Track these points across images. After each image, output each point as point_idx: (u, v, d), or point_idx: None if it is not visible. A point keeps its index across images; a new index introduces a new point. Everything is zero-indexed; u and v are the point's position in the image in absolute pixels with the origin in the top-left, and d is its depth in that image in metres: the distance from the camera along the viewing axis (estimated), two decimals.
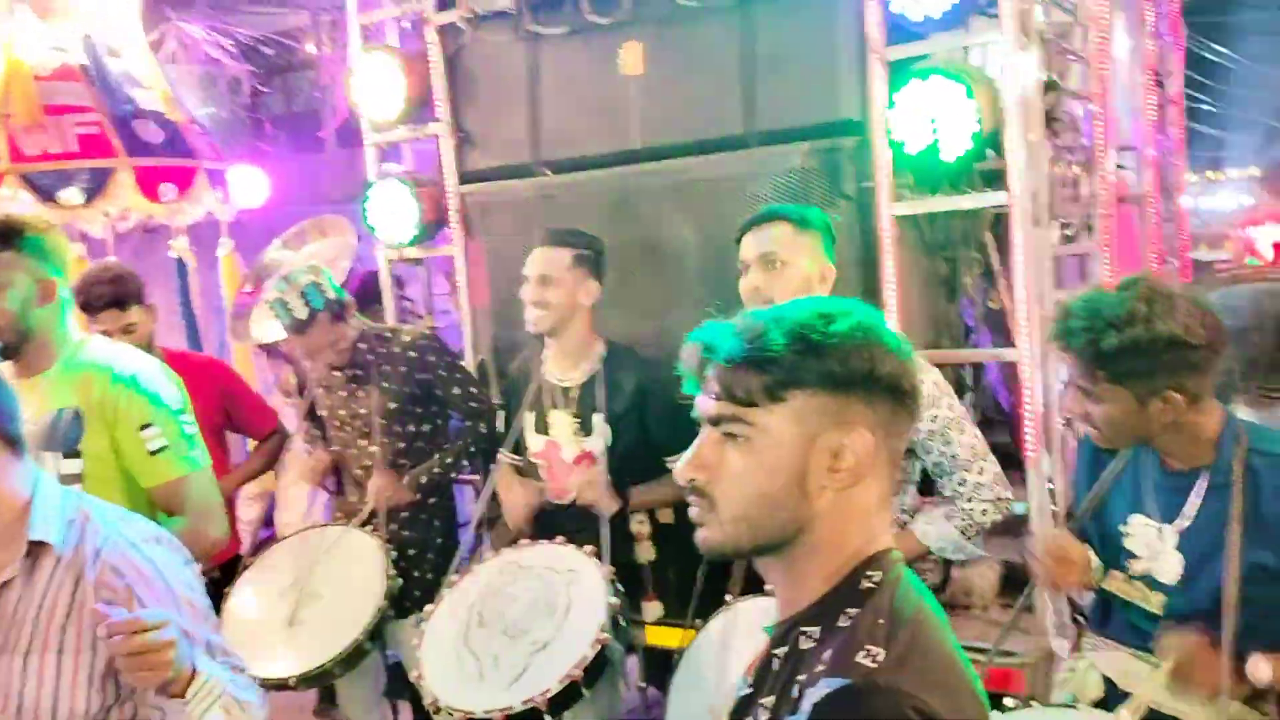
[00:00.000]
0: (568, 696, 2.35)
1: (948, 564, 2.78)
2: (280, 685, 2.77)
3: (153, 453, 2.25)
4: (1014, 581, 3.18)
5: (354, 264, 4.25)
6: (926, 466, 2.42)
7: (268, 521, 4.37)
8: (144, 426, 2.24)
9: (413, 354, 3.15)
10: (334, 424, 3.26)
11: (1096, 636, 2.07)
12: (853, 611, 1.10)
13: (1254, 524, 1.80)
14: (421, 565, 3.17)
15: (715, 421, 1.15)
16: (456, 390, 3.19)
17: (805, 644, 1.12)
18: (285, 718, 3.96)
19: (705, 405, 1.16)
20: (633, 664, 3.25)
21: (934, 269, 3.03)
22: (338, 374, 3.19)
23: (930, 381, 2.36)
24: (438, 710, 2.43)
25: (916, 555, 2.42)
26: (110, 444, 2.22)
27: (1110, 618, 2.05)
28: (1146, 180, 4.06)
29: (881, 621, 1.07)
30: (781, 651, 1.16)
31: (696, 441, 1.17)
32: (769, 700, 1.13)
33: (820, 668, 1.06)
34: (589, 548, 2.62)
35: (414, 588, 3.10)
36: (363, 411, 3.17)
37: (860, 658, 1.03)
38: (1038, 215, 2.70)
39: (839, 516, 1.14)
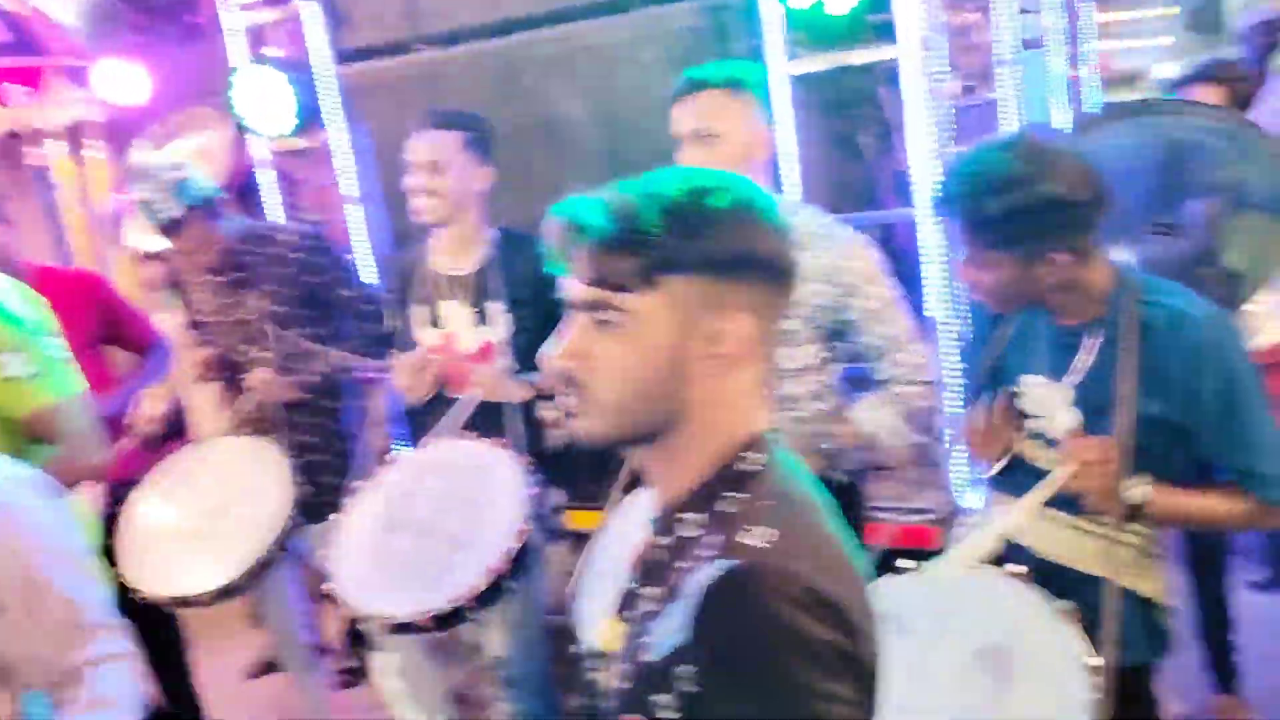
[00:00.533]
0: (493, 592, 2.30)
1: None
2: (188, 602, 2.72)
3: (14, 379, 2.11)
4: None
5: (237, 159, 4.03)
6: (859, 348, 2.37)
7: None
8: (3, 352, 2.09)
9: (295, 253, 3.01)
10: (216, 329, 3.13)
11: (994, 492, 2.08)
12: (736, 495, 1.07)
13: (1146, 375, 1.79)
14: (326, 469, 3.09)
15: (586, 307, 1.08)
16: (346, 291, 3.07)
17: (688, 531, 1.09)
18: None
19: (575, 290, 1.09)
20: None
21: (832, 129, 2.94)
22: (216, 276, 3.05)
23: (872, 260, 2.29)
24: (355, 621, 2.38)
25: (858, 442, 2.39)
26: None
27: (1007, 475, 2.05)
28: (1051, 23, 3.96)
29: (766, 503, 1.05)
30: (664, 541, 1.12)
31: (567, 328, 1.11)
32: (653, 590, 1.10)
33: (706, 553, 1.03)
34: (500, 439, 2.55)
35: (321, 492, 3.03)
36: (247, 316, 3.04)
37: (748, 540, 1.01)
38: (930, 67, 2.61)
39: (717, 402, 1.09)
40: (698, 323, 1.06)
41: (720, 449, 1.10)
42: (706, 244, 1.05)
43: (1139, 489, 1.79)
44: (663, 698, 1.01)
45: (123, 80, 4.45)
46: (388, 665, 3.02)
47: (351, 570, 2.44)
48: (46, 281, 3.02)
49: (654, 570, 1.12)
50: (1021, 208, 1.71)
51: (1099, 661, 1.71)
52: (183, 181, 2.85)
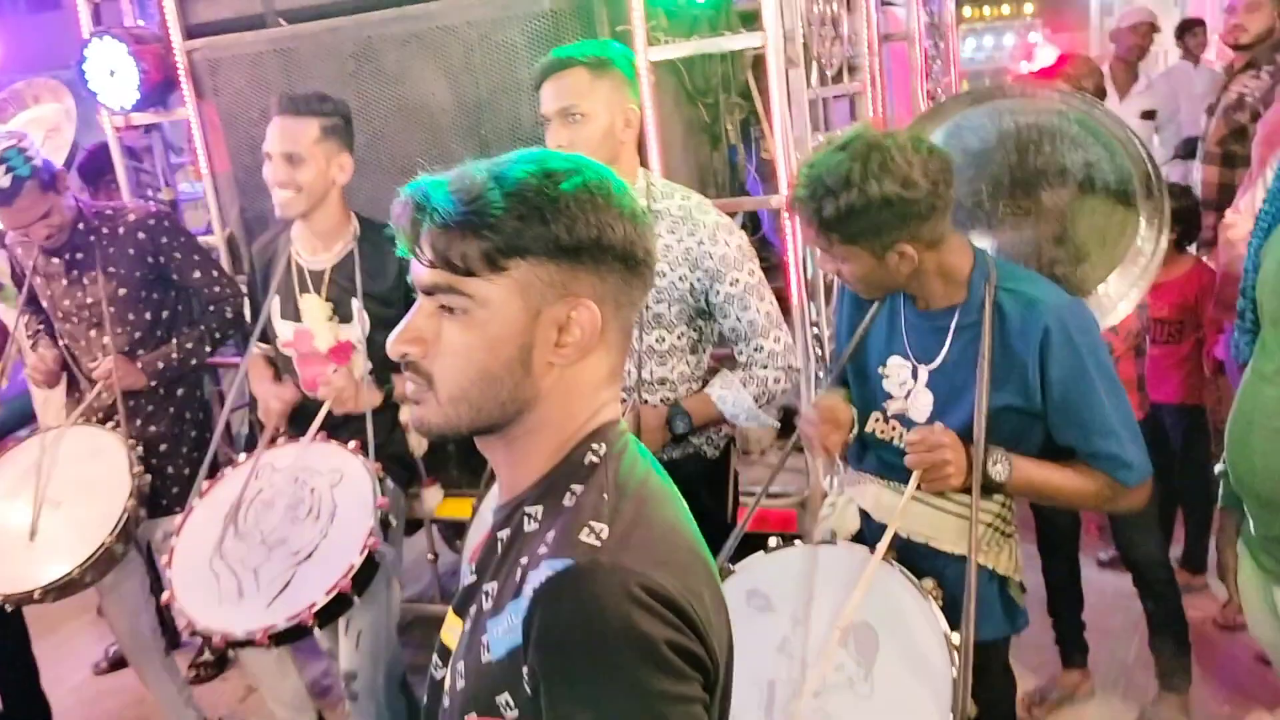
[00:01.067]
0: (336, 607, 2.23)
1: None
2: (25, 600, 2.58)
3: None
4: (791, 427, 3.26)
5: (79, 135, 3.80)
6: (723, 330, 2.38)
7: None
8: None
9: (141, 234, 2.85)
10: (58, 316, 2.94)
11: (855, 472, 2.11)
12: (576, 488, 1.03)
13: (1001, 363, 1.84)
14: (175, 461, 2.95)
15: (430, 291, 1.03)
16: (196, 273, 2.91)
17: (529, 525, 1.05)
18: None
19: (419, 273, 1.03)
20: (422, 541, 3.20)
21: (696, 116, 2.94)
22: (56, 260, 2.86)
23: (734, 245, 2.29)
24: (194, 634, 2.27)
25: (711, 419, 2.40)
26: None
27: (867, 455, 2.08)
28: (914, 18, 4.06)
29: (606, 496, 1.01)
30: (504, 534, 1.08)
31: (411, 312, 1.05)
32: (492, 586, 1.05)
33: (543, 549, 0.99)
34: (354, 443, 2.45)
35: (169, 485, 2.90)
36: (90, 301, 2.87)
37: (584, 536, 0.97)
38: (794, 56, 2.63)
39: (564, 393, 1.06)
40: (545, 310, 1.02)
41: (565, 441, 1.07)
42: (555, 229, 1.00)
43: (999, 467, 1.83)
44: (501, 697, 0.98)
45: None
46: (251, 661, 2.92)
47: (191, 579, 2.32)
48: None
49: (493, 565, 1.08)
50: (859, 208, 1.74)
51: (958, 637, 1.74)
52: (14, 150, 2.66)
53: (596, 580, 0.93)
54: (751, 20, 2.64)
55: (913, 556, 1.91)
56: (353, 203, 2.62)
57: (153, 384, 2.89)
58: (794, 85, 2.67)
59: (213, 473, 2.58)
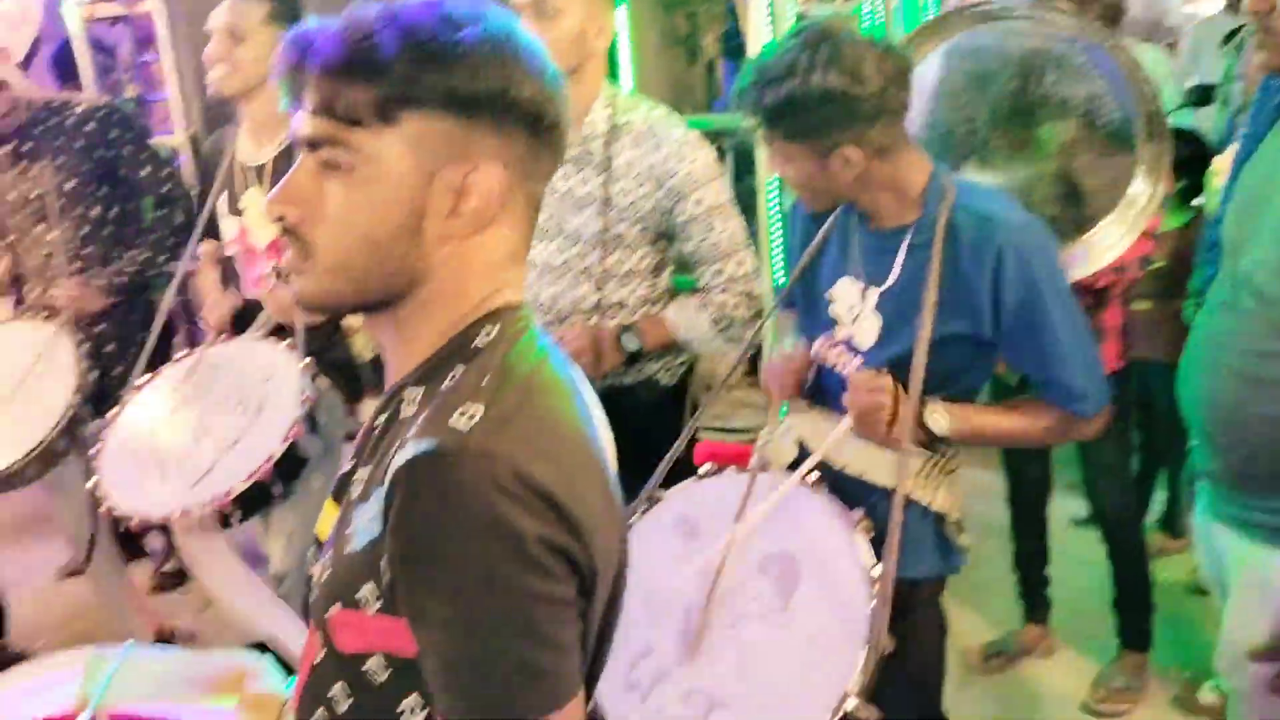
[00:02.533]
0: (256, 496, 2.19)
1: None
2: None
3: None
4: (757, 362, 3.16)
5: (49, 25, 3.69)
6: (684, 252, 2.27)
7: None
8: None
9: (90, 126, 2.78)
10: (4, 209, 2.87)
11: (799, 401, 2.01)
12: (459, 370, 0.94)
13: (952, 286, 1.72)
14: (123, 361, 2.89)
15: (313, 144, 0.92)
16: (146, 170, 2.85)
17: (406, 409, 0.96)
18: None
19: (299, 123, 0.93)
20: None
21: (673, 28, 2.81)
22: (3, 149, 2.79)
23: (701, 161, 2.18)
24: (115, 518, 2.26)
25: (667, 343, 2.31)
26: None
27: (813, 383, 1.98)
28: None
29: (488, 380, 0.91)
30: (382, 419, 1.00)
31: (291, 170, 0.95)
32: (364, 472, 0.98)
33: (412, 432, 0.90)
34: (289, 341, 2.40)
35: (116, 385, 2.83)
36: (37, 193, 2.81)
37: (454, 419, 0.87)
38: None
39: (459, 269, 0.96)
40: (440, 171, 0.92)
41: (456, 322, 0.97)
42: (453, 78, 0.90)
43: (939, 419, 1.74)
44: (365, 588, 0.90)
45: None
46: (203, 569, 2.89)
47: (118, 466, 2.31)
48: None
49: (367, 450, 1.00)
50: (799, 99, 1.62)
51: (879, 570, 1.66)
52: None
53: (460, 465, 0.84)
54: None
55: (845, 489, 1.82)
56: None
57: (114, 300, 2.84)
58: None
59: (152, 368, 2.53)
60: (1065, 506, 3.61)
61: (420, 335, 0.98)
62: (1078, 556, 3.27)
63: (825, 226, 1.93)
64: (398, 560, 0.86)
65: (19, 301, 2.96)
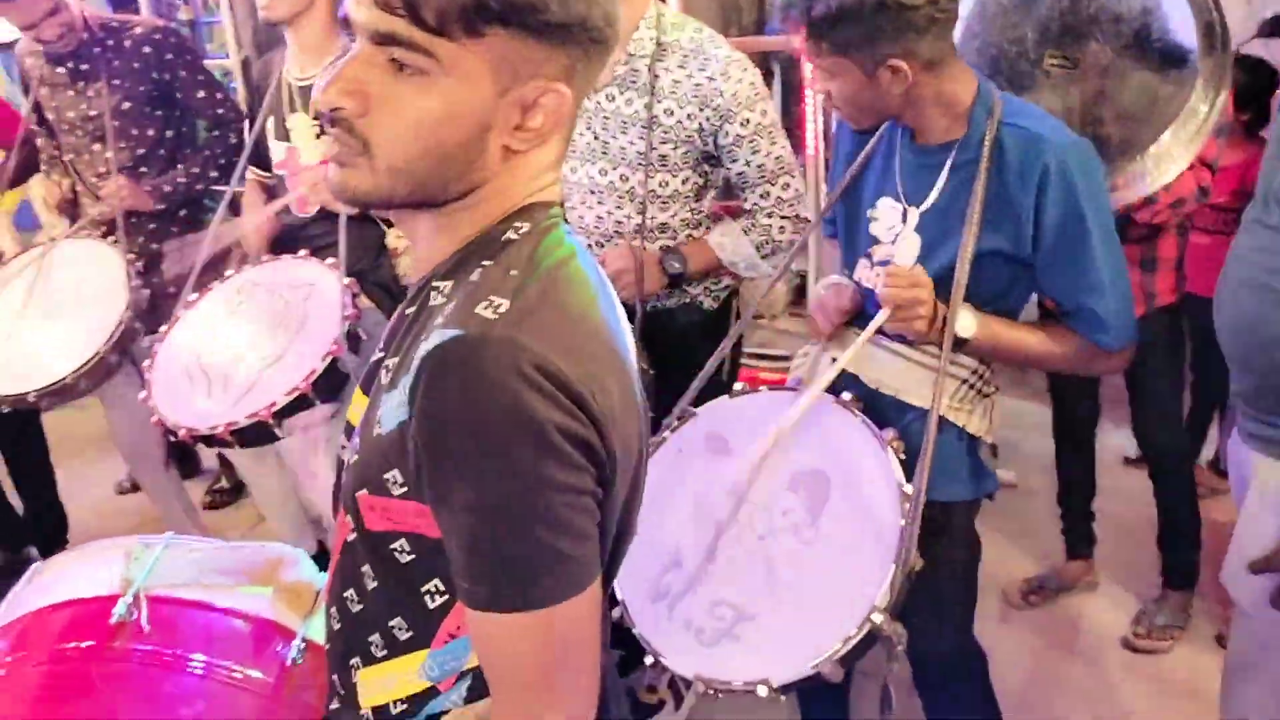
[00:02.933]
0: (298, 411, 2.24)
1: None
2: (20, 402, 2.62)
3: None
4: (804, 291, 3.14)
5: None
6: (730, 175, 2.25)
7: None
8: None
9: (147, 48, 2.81)
10: (63, 128, 2.93)
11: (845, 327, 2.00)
12: (487, 263, 0.94)
13: (995, 204, 1.69)
14: (177, 281, 2.92)
15: (383, 40, 0.88)
16: (201, 93, 2.88)
17: (435, 300, 0.96)
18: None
19: (370, 15, 0.87)
20: None
21: None
22: (61, 70, 2.84)
23: (747, 82, 2.15)
24: (166, 431, 2.32)
25: (710, 267, 2.30)
26: None
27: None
28: None
29: (514, 273, 0.92)
30: (411, 310, 1.00)
31: (349, 57, 0.90)
32: (393, 361, 0.98)
33: (439, 320, 0.91)
34: (332, 260, 2.43)
35: (169, 305, 2.89)
36: (94, 113, 2.85)
37: (480, 309, 0.88)
38: None
39: (509, 176, 0.96)
40: (512, 88, 0.91)
41: (491, 217, 0.97)
42: (544, 4, 0.87)
43: (964, 320, 1.71)
44: (390, 474, 0.92)
45: None
46: (257, 485, 2.98)
47: (168, 381, 2.38)
48: None
49: (396, 340, 1.01)
50: (848, 9, 1.58)
51: (910, 489, 1.65)
52: None
53: (484, 353, 0.85)
54: None
55: (879, 408, 1.81)
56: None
57: (158, 206, 2.88)
58: None
59: (202, 286, 2.58)
60: (1117, 443, 3.57)
61: (458, 231, 0.98)
62: (1125, 492, 3.23)
63: (869, 145, 1.90)
64: (421, 444, 0.87)
65: (76, 219, 3.03)
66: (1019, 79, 2.18)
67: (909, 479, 1.67)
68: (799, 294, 3.03)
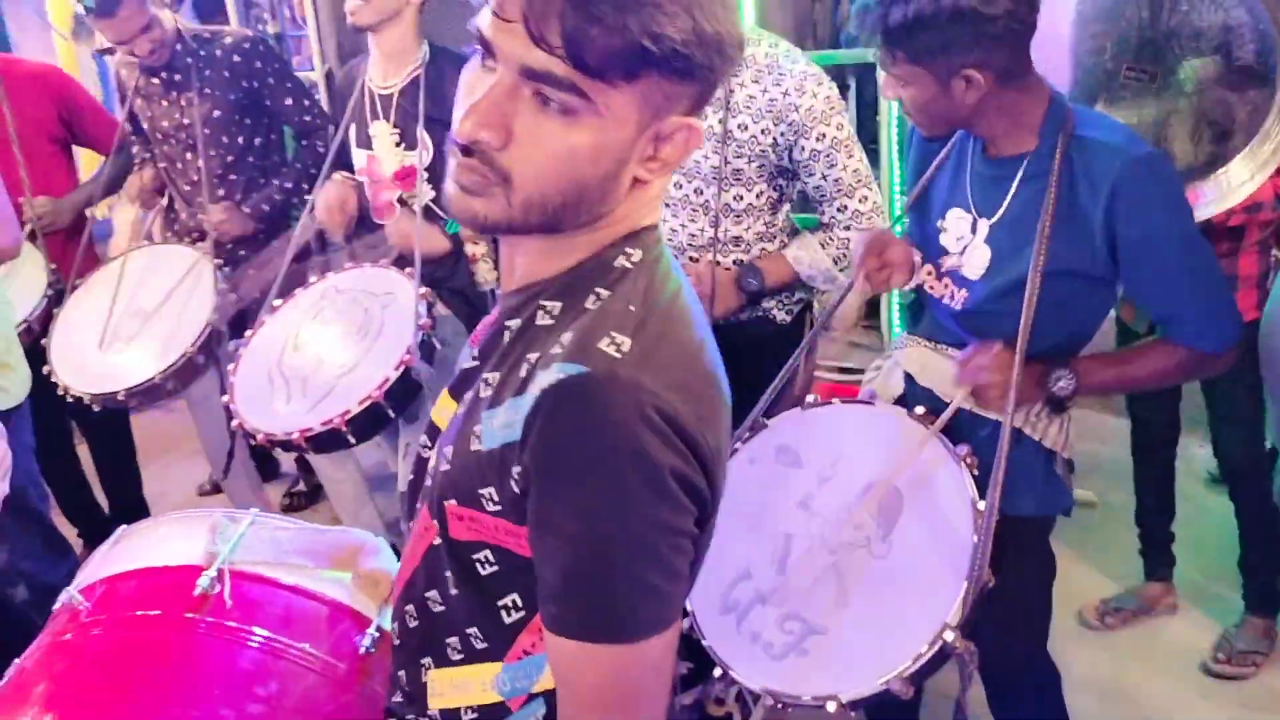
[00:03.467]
0: (371, 419, 2.29)
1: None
2: (111, 400, 2.73)
3: None
4: (876, 305, 3.12)
5: None
6: (806, 189, 2.26)
7: None
8: None
9: (237, 58, 2.90)
10: (157, 136, 3.03)
11: (906, 335, 1.99)
12: (603, 293, 0.94)
13: (1066, 218, 1.67)
14: (254, 284, 3.01)
15: (536, 77, 0.85)
16: (289, 101, 2.96)
17: (543, 319, 0.96)
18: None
19: (523, 50, 0.84)
20: None
21: None
22: (155, 80, 2.95)
23: (823, 96, 2.16)
24: (247, 433, 2.39)
25: (787, 281, 2.30)
26: None
27: (921, 316, 1.96)
28: None
29: (633, 309, 0.92)
30: (514, 324, 1.00)
31: (491, 89, 0.88)
32: (493, 375, 0.98)
33: (556, 350, 0.91)
34: (410, 269, 2.47)
35: (254, 308, 2.97)
36: (186, 122, 2.95)
37: (604, 345, 0.88)
38: None
39: (632, 204, 0.96)
40: (653, 124, 0.90)
41: (604, 241, 0.97)
42: (696, 26, 0.84)
43: (1063, 382, 1.71)
44: (486, 490, 0.93)
45: None
46: (334, 489, 3.05)
47: (250, 385, 2.44)
48: (6, 74, 2.97)
49: (497, 353, 1.01)
50: (929, 17, 1.57)
51: (983, 504, 1.64)
52: None
53: (611, 393, 0.86)
54: None
55: (954, 422, 1.79)
56: (430, 37, 2.60)
57: (259, 227, 2.97)
58: None
59: (286, 292, 2.65)
60: (1199, 461, 3.48)
61: (569, 254, 0.97)
62: (1206, 512, 3.15)
63: (940, 154, 1.89)
64: (535, 473, 0.88)
65: (170, 225, 3.12)
66: (1096, 89, 2.15)
67: (983, 495, 1.66)
68: (872, 307, 3.01)
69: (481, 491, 0.94)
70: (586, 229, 0.95)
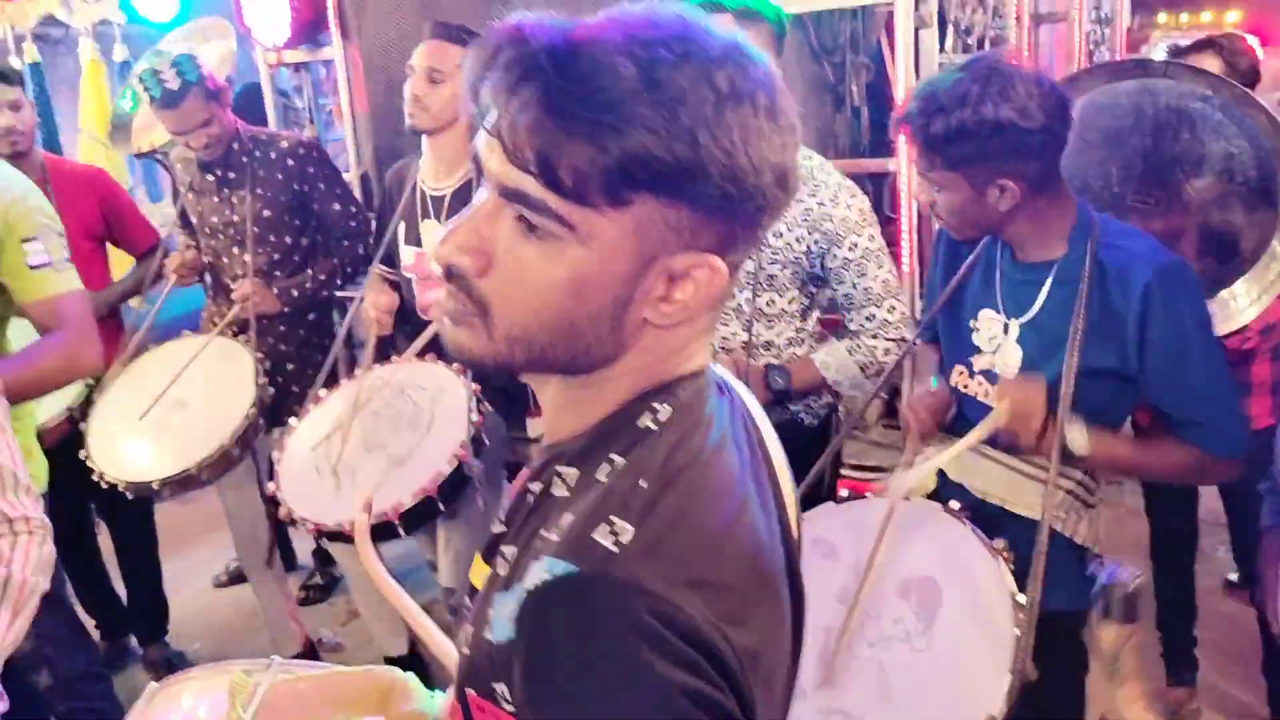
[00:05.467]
0: (422, 512, 2.31)
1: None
2: (145, 489, 2.75)
3: (34, 267, 2.17)
4: (895, 402, 3.18)
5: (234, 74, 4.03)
6: (835, 297, 2.33)
7: None
8: (28, 240, 2.16)
9: (291, 161, 3.01)
10: (205, 231, 3.13)
11: (940, 433, 2.04)
12: (618, 461, 0.81)
13: (1099, 322, 1.75)
14: (300, 381, 3.09)
15: (513, 197, 0.76)
16: (336, 205, 3.07)
17: (558, 489, 0.84)
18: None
19: (500, 167, 0.76)
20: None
21: (821, 75, 2.89)
22: (209, 176, 3.06)
23: (857, 208, 2.24)
24: (292, 521, 2.41)
25: (814, 385, 2.36)
26: None
27: (957, 415, 2.01)
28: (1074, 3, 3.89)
29: (644, 484, 0.78)
30: (536, 489, 0.88)
31: (471, 210, 0.80)
32: (511, 551, 0.86)
33: (554, 536, 0.80)
34: (458, 364, 2.52)
35: (290, 401, 3.04)
36: (236, 219, 3.05)
37: (600, 535, 0.76)
38: (926, 17, 2.56)
39: (651, 352, 0.83)
40: (660, 259, 0.78)
41: (628, 391, 0.84)
42: (710, 153, 0.72)
43: (1077, 437, 1.75)
44: (499, 686, 0.80)
45: None
46: (356, 582, 3.04)
47: (297, 473, 2.47)
48: (57, 173, 3.08)
49: (517, 522, 0.90)
50: (970, 128, 1.66)
51: (1024, 599, 1.67)
52: (186, 58, 2.89)
53: (598, 598, 0.74)
54: None
55: (987, 517, 1.84)
56: None
57: (285, 309, 3.05)
58: (924, 47, 2.60)
59: (330, 384, 2.72)
60: (1219, 564, 3.49)
61: (586, 408, 0.86)
62: (1228, 616, 3.15)
63: (970, 257, 1.97)
64: (527, 685, 0.76)
65: (211, 316, 3.20)
66: (1106, 211, 2.25)
67: (1021, 588, 1.69)
68: (890, 406, 3.07)
69: (495, 686, 0.80)
70: (596, 380, 0.84)
